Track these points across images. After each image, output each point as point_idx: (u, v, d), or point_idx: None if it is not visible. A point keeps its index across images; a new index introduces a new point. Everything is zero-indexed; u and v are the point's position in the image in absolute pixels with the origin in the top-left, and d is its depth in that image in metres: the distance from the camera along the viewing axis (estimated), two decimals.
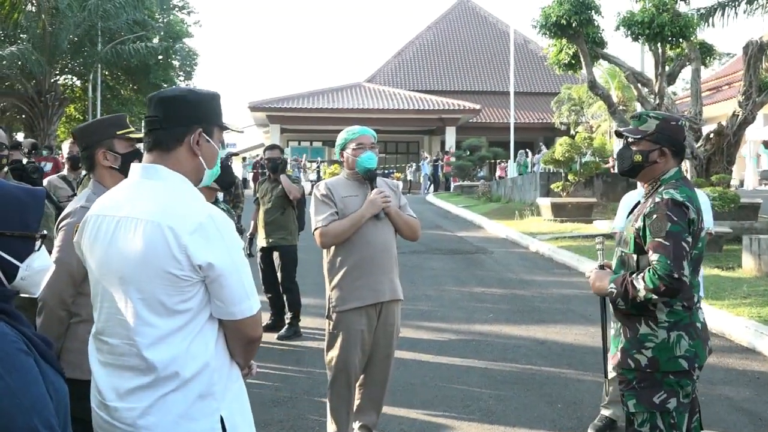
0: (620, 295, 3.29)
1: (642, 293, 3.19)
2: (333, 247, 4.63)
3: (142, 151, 2.85)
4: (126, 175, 2.52)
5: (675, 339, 3.22)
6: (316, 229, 4.58)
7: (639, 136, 3.40)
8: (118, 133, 3.34)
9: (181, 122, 2.43)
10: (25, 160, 5.67)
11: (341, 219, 4.54)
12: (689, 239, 3.17)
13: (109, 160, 3.32)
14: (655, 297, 3.17)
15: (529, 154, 35.90)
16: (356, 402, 4.74)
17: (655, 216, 3.22)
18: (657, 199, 3.27)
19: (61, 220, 3.27)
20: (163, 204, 2.33)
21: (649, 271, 3.18)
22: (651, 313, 3.27)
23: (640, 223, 3.30)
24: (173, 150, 2.43)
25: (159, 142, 2.43)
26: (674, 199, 3.20)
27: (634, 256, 3.34)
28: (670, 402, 3.23)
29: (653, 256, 3.18)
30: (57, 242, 3.21)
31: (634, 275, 3.26)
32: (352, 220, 4.53)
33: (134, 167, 2.48)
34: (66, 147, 7.31)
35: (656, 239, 3.18)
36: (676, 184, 3.31)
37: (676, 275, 3.10)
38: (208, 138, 2.47)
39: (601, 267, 3.56)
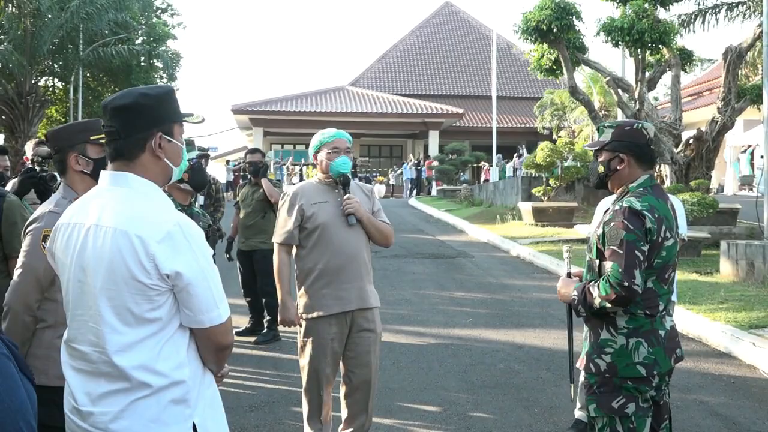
0: (580, 302, 3.34)
1: (597, 300, 3.24)
2: (300, 254, 4.61)
3: None
4: (98, 181, 2.52)
5: (633, 345, 3.25)
6: (275, 241, 4.67)
7: (597, 147, 3.47)
8: (91, 138, 3.31)
9: (140, 129, 2.41)
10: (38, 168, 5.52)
11: (307, 241, 4.55)
12: (644, 248, 3.20)
13: (81, 164, 3.29)
14: (608, 305, 3.21)
15: (500, 159, 36.04)
16: (343, 409, 4.70)
17: (612, 224, 3.27)
18: (616, 207, 3.32)
19: (29, 225, 3.22)
20: (131, 212, 2.33)
21: (603, 278, 3.24)
22: (612, 320, 3.31)
23: (600, 230, 3.36)
24: (136, 158, 2.42)
25: (121, 152, 2.42)
26: (632, 207, 3.23)
27: (597, 262, 3.39)
28: (628, 407, 3.26)
29: (607, 264, 3.24)
30: (24, 247, 3.17)
31: (592, 283, 3.32)
32: (281, 285, 4.63)
33: (103, 175, 2.47)
34: (30, 148, 7.11)
35: (611, 247, 3.24)
36: (642, 192, 3.33)
37: (626, 284, 3.15)
38: (169, 138, 2.46)
39: (569, 275, 3.60)
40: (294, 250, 4.66)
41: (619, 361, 3.26)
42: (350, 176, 4.63)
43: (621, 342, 3.27)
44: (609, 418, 3.29)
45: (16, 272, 3.12)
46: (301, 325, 4.61)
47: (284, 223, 4.60)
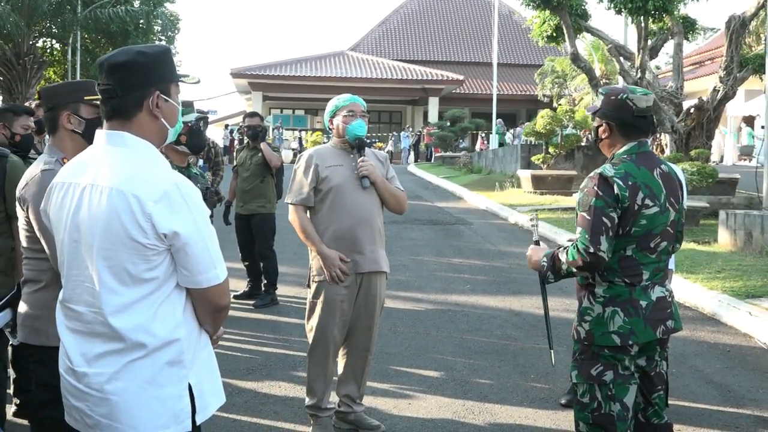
0: (549, 268, 3.37)
1: (564, 266, 3.28)
2: (315, 216, 4.61)
3: None
4: (88, 141, 2.48)
5: (609, 314, 3.25)
6: (288, 202, 4.65)
7: (591, 113, 3.48)
8: (85, 98, 3.26)
9: (137, 87, 2.38)
10: None
11: (321, 204, 4.54)
12: (613, 215, 3.18)
13: (73, 123, 3.23)
14: (575, 270, 3.24)
15: (501, 124, 35.90)
16: (339, 372, 4.75)
17: (585, 190, 3.27)
18: (591, 174, 3.32)
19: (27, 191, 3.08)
20: (128, 171, 2.31)
21: (571, 244, 3.26)
22: (591, 288, 3.33)
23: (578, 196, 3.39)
24: (133, 117, 2.39)
25: (118, 110, 2.39)
26: (603, 174, 3.23)
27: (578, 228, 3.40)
28: (606, 375, 3.28)
29: (577, 230, 3.26)
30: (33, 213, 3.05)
31: (561, 249, 3.34)
32: (312, 239, 4.51)
33: (99, 134, 2.44)
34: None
35: (581, 212, 3.25)
36: (624, 159, 3.31)
37: (591, 250, 3.16)
38: (166, 97, 2.43)
39: (537, 243, 3.63)
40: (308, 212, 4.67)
41: (595, 329, 3.28)
42: (365, 140, 4.61)
43: (598, 310, 3.28)
44: (588, 385, 3.32)
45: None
46: (311, 287, 4.63)
47: (300, 185, 4.59)
